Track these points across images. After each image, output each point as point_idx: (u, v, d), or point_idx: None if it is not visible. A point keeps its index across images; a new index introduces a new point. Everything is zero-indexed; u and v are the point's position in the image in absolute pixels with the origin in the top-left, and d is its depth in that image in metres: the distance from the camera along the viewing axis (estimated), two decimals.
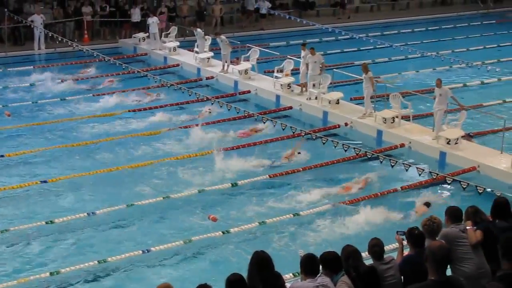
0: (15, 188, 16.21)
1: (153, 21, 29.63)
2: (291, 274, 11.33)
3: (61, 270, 12.61)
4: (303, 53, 23.18)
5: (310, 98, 22.62)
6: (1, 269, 13.01)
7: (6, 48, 29.65)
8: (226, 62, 25.75)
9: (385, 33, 33.92)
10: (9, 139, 19.80)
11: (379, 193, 16.12)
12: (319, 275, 7.26)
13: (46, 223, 14.37)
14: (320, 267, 7.38)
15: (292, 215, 14.90)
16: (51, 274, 12.50)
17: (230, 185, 16.49)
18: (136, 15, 31.87)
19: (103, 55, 26.21)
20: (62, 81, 25.02)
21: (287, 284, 7.70)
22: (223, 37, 25.63)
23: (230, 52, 25.62)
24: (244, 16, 36.08)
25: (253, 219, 14.80)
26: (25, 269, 12.98)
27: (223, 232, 14.13)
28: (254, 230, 14.42)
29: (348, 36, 31.50)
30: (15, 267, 13.07)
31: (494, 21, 38.17)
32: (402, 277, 8.00)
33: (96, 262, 12.89)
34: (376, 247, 7.96)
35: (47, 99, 23.18)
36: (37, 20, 29.50)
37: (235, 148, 18.81)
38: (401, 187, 16.47)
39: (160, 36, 30.03)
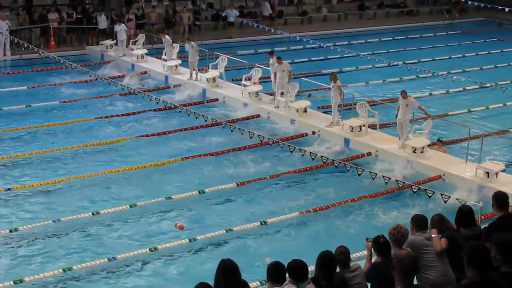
0: None
1: (120, 28, 29.49)
2: (258, 282, 11.34)
3: (25, 279, 12.50)
4: (271, 61, 23.24)
5: (277, 106, 22.67)
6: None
7: None
8: (194, 69, 25.72)
9: (352, 42, 34.15)
10: None
11: (349, 200, 16.18)
12: (285, 283, 7.26)
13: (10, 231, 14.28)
14: (287, 275, 7.37)
15: (259, 223, 14.91)
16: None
17: (198, 192, 16.45)
18: (103, 22, 31.65)
19: (69, 62, 26.00)
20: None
21: None
22: (193, 43, 25.59)
23: (198, 60, 25.59)
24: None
25: (220, 226, 14.78)
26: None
27: (189, 240, 14.08)
28: (221, 237, 14.39)
29: (315, 45, 31.64)
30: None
31: (459, 32, 38.67)
32: (369, 284, 8.04)
33: (61, 270, 12.81)
34: (342, 255, 7.98)
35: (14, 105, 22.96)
36: (2, 26, 29.13)
37: (202, 155, 18.77)
38: (368, 195, 16.56)
39: (128, 43, 29.89)
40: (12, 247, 13.95)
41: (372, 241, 8.32)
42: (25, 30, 31.16)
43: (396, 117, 19.26)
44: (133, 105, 23.46)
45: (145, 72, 27.67)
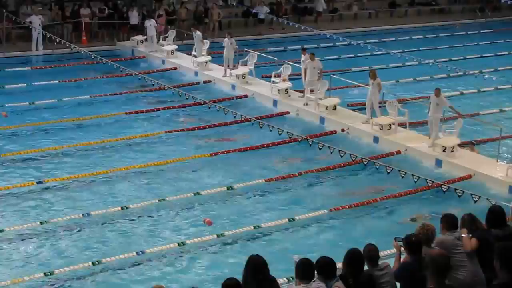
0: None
1: (150, 23, 29.65)
2: (285, 279, 11.34)
3: (55, 271, 12.65)
4: (303, 58, 23.18)
5: (307, 104, 22.63)
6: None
7: (4, 48, 29.63)
8: (228, 66, 25.76)
9: (383, 40, 33.95)
10: (4, 139, 19.82)
11: (378, 199, 16.10)
12: (314, 280, 7.26)
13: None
14: (315, 272, 7.37)
15: (287, 220, 14.91)
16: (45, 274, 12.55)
17: (226, 188, 16.49)
18: (134, 17, 31.86)
19: (101, 57, 26.19)
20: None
21: None
22: (233, 39, 25.61)
23: (233, 56, 25.66)
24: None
25: (248, 223, 14.81)
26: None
27: (217, 236, 14.13)
28: (249, 234, 14.41)
29: (346, 43, 31.55)
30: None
31: (491, 30, 38.24)
32: (397, 284, 8.00)
33: (90, 264, 12.93)
34: (372, 252, 7.95)
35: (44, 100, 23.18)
36: (35, 21, 29.45)
37: (231, 151, 18.82)
38: (397, 194, 16.47)
39: (158, 40, 30.03)
40: (43, 240, 14.11)
41: (403, 240, 8.27)
42: (57, 25, 31.45)
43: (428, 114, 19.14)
44: (163, 100, 23.57)
45: (175, 68, 27.86)
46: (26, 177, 17.13)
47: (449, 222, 8.66)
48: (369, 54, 30.62)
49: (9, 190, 16.22)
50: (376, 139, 20.12)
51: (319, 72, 22.39)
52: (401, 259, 8.46)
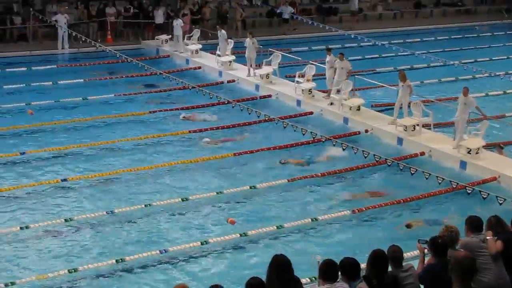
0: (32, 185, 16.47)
1: (177, 23, 29.78)
2: (307, 279, 11.32)
3: (79, 268, 12.73)
4: (328, 58, 23.13)
5: (332, 103, 22.56)
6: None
7: (31, 47, 29.90)
8: (251, 65, 25.79)
9: (407, 40, 33.80)
10: (30, 137, 20.03)
11: (401, 200, 16.03)
12: (337, 280, 7.24)
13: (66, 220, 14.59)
14: (339, 273, 7.36)
15: (310, 220, 14.89)
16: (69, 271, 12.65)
17: (249, 188, 16.50)
18: (159, 16, 32.04)
19: (125, 56, 26.35)
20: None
21: None
22: (255, 39, 25.64)
23: (255, 56, 25.68)
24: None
25: (271, 222, 14.81)
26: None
27: (240, 235, 14.15)
28: (272, 233, 14.41)
29: (370, 43, 31.44)
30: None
31: None
32: (421, 286, 7.95)
33: (114, 261, 12.99)
34: (397, 253, 7.91)
35: (69, 98, 23.38)
36: (61, 20, 29.73)
37: (254, 151, 18.84)
38: (421, 195, 16.37)
39: (183, 39, 30.13)
40: (67, 237, 14.22)
41: (429, 242, 8.21)
42: (83, 24, 31.70)
43: None
44: (187, 99, 23.65)
45: (199, 67, 27.93)
46: (50, 174, 17.29)
47: (474, 224, 8.60)
48: (393, 54, 30.51)
49: (34, 187, 16.37)
50: (400, 140, 20.02)
51: (347, 72, 22.34)
52: (425, 261, 8.42)
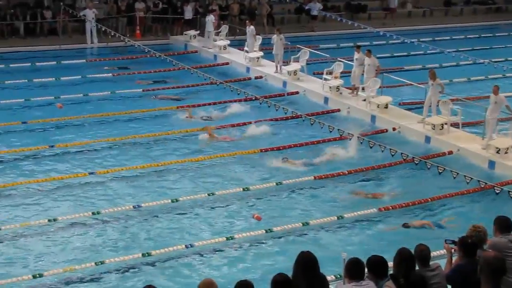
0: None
1: (209, 19, 29.84)
2: (332, 276, 11.29)
3: (106, 261, 12.84)
4: (357, 55, 23.05)
5: (365, 100, 22.46)
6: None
7: (61, 41, 30.16)
8: (279, 62, 25.77)
9: (436, 38, 33.52)
10: (59, 130, 20.23)
11: (429, 199, 15.92)
12: (363, 279, 7.21)
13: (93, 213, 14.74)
14: (366, 271, 7.33)
15: (336, 217, 14.85)
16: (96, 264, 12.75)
17: (275, 184, 16.50)
18: (188, 12, 32.14)
19: (154, 51, 26.47)
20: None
21: (331, 287, 7.67)
22: (282, 35, 25.62)
23: (283, 53, 25.66)
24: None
25: (297, 219, 14.80)
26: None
27: (266, 231, 14.16)
28: (297, 230, 14.40)
29: (399, 41, 31.24)
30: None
31: None
32: (450, 286, 7.88)
33: (140, 255, 13.07)
34: (424, 252, 7.85)
35: (98, 92, 23.55)
36: (89, 15, 29.95)
37: (281, 148, 18.84)
38: (448, 195, 16.26)
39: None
40: (94, 230, 14.34)
41: (458, 242, 8.13)
42: (112, 19, 31.91)
43: None
44: (214, 95, 23.72)
45: (227, 63, 27.99)
46: (79, 168, 17.44)
47: (502, 224, 8.52)
48: (422, 52, 30.27)
49: (63, 181, 16.53)
50: (428, 139, 19.90)
51: (376, 69, 22.24)
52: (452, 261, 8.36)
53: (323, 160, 18.24)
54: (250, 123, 20.67)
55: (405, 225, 14.65)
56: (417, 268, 7.77)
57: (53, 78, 24.93)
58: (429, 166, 17.50)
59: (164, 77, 25.81)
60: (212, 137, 19.65)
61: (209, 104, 22.62)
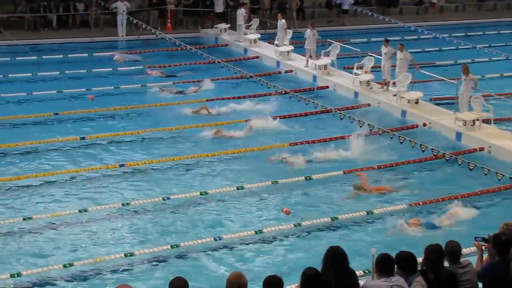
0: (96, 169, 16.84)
1: (240, 12, 29.87)
2: (361, 271, 11.27)
3: (135, 252, 12.93)
4: (385, 50, 22.93)
5: (395, 95, 22.31)
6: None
7: (92, 33, 30.40)
8: (310, 57, 25.71)
9: (469, 34, 33.19)
10: (90, 122, 20.44)
11: (459, 196, 15.79)
12: (393, 275, 7.19)
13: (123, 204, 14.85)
14: (395, 266, 7.30)
15: (365, 213, 14.80)
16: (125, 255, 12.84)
17: (304, 178, 16.48)
18: (219, 5, 32.18)
19: (184, 44, 26.56)
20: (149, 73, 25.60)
21: (360, 282, 7.66)
22: (315, 31, 25.58)
23: (315, 48, 25.61)
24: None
25: (326, 213, 14.78)
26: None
27: (294, 225, 14.16)
28: (326, 225, 14.38)
29: (430, 36, 30.97)
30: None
31: None
32: (480, 283, 7.82)
33: (169, 246, 13.15)
34: (455, 248, 7.80)
35: (128, 84, 23.70)
36: (120, 7, 30.14)
37: (310, 142, 18.80)
38: (479, 192, 16.11)
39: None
40: (123, 221, 14.45)
41: (492, 239, 8.04)
42: (143, 12, 32.07)
43: None
44: (244, 89, 23.74)
45: (257, 57, 28.00)
46: (109, 159, 17.58)
47: None
48: (454, 48, 29.98)
49: (93, 172, 16.68)
50: (459, 135, 19.73)
51: (412, 63, 22.09)
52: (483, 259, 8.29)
53: (353, 155, 18.15)
54: (280, 117, 20.67)
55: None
56: (447, 264, 7.73)
57: (85, 70, 25.15)
58: (460, 162, 17.35)
59: (193, 70, 25.89)
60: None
61: (239, 97, 22.64)
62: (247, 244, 13.63)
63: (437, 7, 39.23)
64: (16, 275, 11.96)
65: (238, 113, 21.15)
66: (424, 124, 20.59)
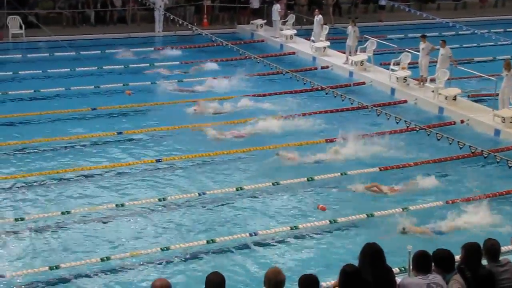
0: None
1: (276, 8, 29.85)
2: (397, 269, 11.19)
3: (171, 246, 13.02)
4: (422, 45, 22.73)
5: (433, 92, 22.12)
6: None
7: (129, 29, 30.63)
8: (350, 53, 25.61)
9: (508, 29, 32.72)
10: (127, 116, 20.60)
11: (497, 194, 15.60)
12: (430, 272, 7.14)
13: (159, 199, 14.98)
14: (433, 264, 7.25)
15: (401, 209, 14.70)
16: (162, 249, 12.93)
17: (340, 174, 16.42)
18: (255, 1, 32.18)
19: (221, 40, 26.61)
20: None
21: (397, 279, 7.61)
22: (356, 27, 25.49)
23: (356, 45, 25.51)
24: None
25: (362, 210, 14.70)
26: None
27: (330, 222, 14.12)
28: (362, 222, 14.32)
29: (469, 32, 30.61)
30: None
31: None
32: None
33: (205, 241, 13.21)
34: (495, 247, 7.71)
35: (166, 79, 23.83)
36: (158, 3, 30.31)
37: (346, 138, 18.68)
38: None
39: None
40: (159, 216, 14.55)
41: None
42: (180, 7, 32.21)
43: None
44: (279, 85, 23.74)
45: (293, 53, 27.95)
46: (146, 154, 17.70)
47: None
48: (493, 44, 29.61)
49: (130, 167, 16.82)
50: (497, 132, 19.50)
51: (450, 59, 21.93)
52: None
53: (389, 152, 18.04)
54: (316, 113, 20.63)
55: (403, 231, 13.89)
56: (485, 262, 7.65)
57: (122, 66, 25.35)
58: (498, 160, 17.13)
59: (230, 65, 25.96)
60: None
61: (274, 94, 22.63)
62: (282, 240, 13.63)
63: (475, 2, 38.72)
64: (54, 267, 12.13)
65: (271, 110, 21.08)
66: (462, 121, 20.39)
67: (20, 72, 24.24)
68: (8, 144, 17.82)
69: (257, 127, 19.54)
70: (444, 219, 14.36)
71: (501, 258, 7.80)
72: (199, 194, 15.28)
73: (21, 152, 17.61)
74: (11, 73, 24.22)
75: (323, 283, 10.07)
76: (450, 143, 17.97)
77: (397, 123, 19.31)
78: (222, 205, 15.13)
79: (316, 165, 17.21)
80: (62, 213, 14.21)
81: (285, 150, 17.77)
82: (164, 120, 20.13)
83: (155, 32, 30.93)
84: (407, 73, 23.48)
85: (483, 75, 22.96)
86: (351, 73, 25.06)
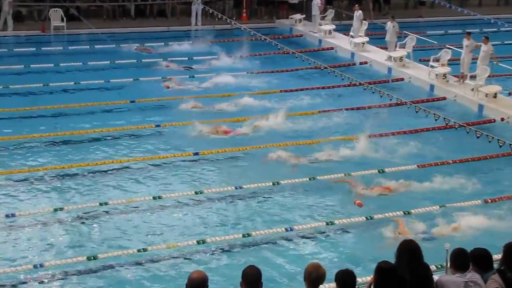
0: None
1: (315, 3, 29.79)
2: (434, 266, 11.11)
3: (207, 240, 13.08)
4: (466, 42, 22.49)
5: (473, 89, 21.87)
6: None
7: (169, 23, 30.80)
8: (391, 49, 25.45)
9: None
10: (163, 109, 20.73)
11: None
12: (468, 270, 7.09)
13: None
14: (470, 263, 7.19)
15: (438, 207, 14.57)
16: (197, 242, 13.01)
17: (378, 171, 16.33)
18: None
19: (259, 34, 26.63)
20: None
21: (434, 277, 7.57)
22: (395, 23, 25.34)
23: (395, 41, 25.35)
24: None
25: (399, 207, 14.59)
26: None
27: (366, 218, 14.06)
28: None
29: (510, 28, 30.17)
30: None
31: None
32: None
33: (240, 235, 13.25)
34: None
35: (203, 73, 23.90)
36: None
37: (383, 135, 18.61)
38: None
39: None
40: (196, 209, 14.62)
41: None
42: (219, 2, 32.28)
43: None
44: (318, 80, 23.66)
45: (332, 48, 27.90)
46: (183, 147, 17.77)
47: None
48: None
49: (167, 159, 16.92)
50: None
51: (491, 55, 21.73)
52: None
53: (428, 149, 17.87)
54: (353, 108, 20.54)
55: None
56: None
57: (161, 59, 25.51)
58: None
59: (268, 60, 25.94)
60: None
61: (313, 88, 22.58)
62: (318, 235, 13.61)
63: None
64: (92, 257, 12.28)
65: (310, 105, 21.04)
66: (502, 119, 20.14)
67: (61, 64, 24.54)
68: (49, 135, 18.05)
69: (296, 123, 19.52)
70: (482, 218, 14.21)
71: None
72: (236, 188, 15.32)
73: (61, 143, 17.84)
74: (52, 65, 24.52)
75: (359, 279, 10.03)
76: (490, 141, 17.76)
77: (436, 120, 19.14)
78: (258, 199, 15.14)
79: (351, 161, 17.11)
80: (100, 204, 14.36)
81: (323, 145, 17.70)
82: (203, 115, 20.16)
83: (191, 26, 30.99)
84: (447, 69, 23.25)
85: None
86: (389, 69, 24.88)
